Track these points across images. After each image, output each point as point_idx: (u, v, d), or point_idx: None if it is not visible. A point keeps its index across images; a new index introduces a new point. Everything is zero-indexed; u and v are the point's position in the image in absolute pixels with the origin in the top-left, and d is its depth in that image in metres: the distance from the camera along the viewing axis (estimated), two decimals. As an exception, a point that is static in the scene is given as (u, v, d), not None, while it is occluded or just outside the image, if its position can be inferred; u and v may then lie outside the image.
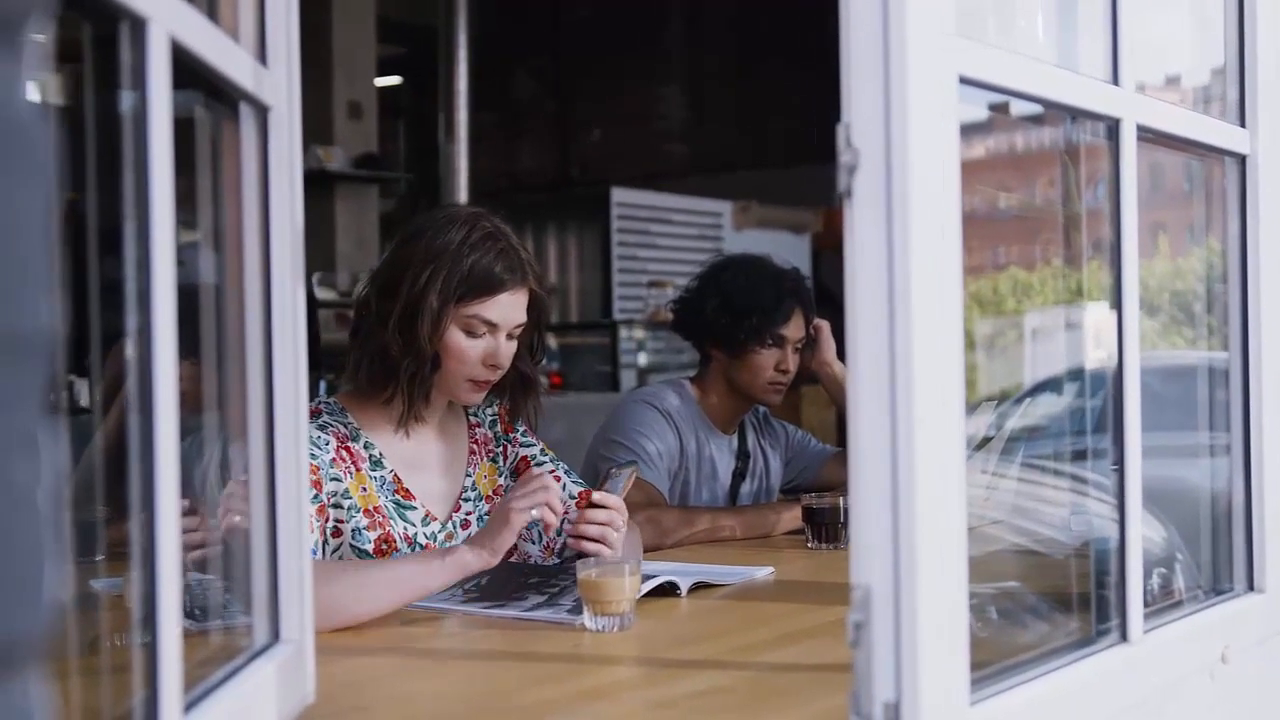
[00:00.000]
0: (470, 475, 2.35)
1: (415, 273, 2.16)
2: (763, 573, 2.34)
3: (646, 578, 2.02)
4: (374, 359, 2.21)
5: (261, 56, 1.33)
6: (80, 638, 1.21)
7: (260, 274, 1.33)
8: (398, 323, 2.17)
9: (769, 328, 2.96)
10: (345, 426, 2.22)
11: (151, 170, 0.99)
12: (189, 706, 1.07)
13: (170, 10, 1.01)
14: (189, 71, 1.09)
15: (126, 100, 0.99)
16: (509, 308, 2.21)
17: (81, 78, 1.02)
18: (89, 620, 1.39)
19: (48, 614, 0.57)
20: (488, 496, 2.36)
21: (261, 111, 1.33)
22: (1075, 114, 1.53)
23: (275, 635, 1.35)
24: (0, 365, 0.52)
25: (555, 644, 1.81)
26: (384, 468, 2.23)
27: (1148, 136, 1.55)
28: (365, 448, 2.23)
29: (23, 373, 0.54)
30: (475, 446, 2.38)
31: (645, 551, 2.59)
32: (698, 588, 2.17)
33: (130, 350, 1.00)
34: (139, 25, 0.97)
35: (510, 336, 2.23)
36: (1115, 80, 1.49)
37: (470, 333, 2.19)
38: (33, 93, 0.59)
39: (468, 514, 2.32)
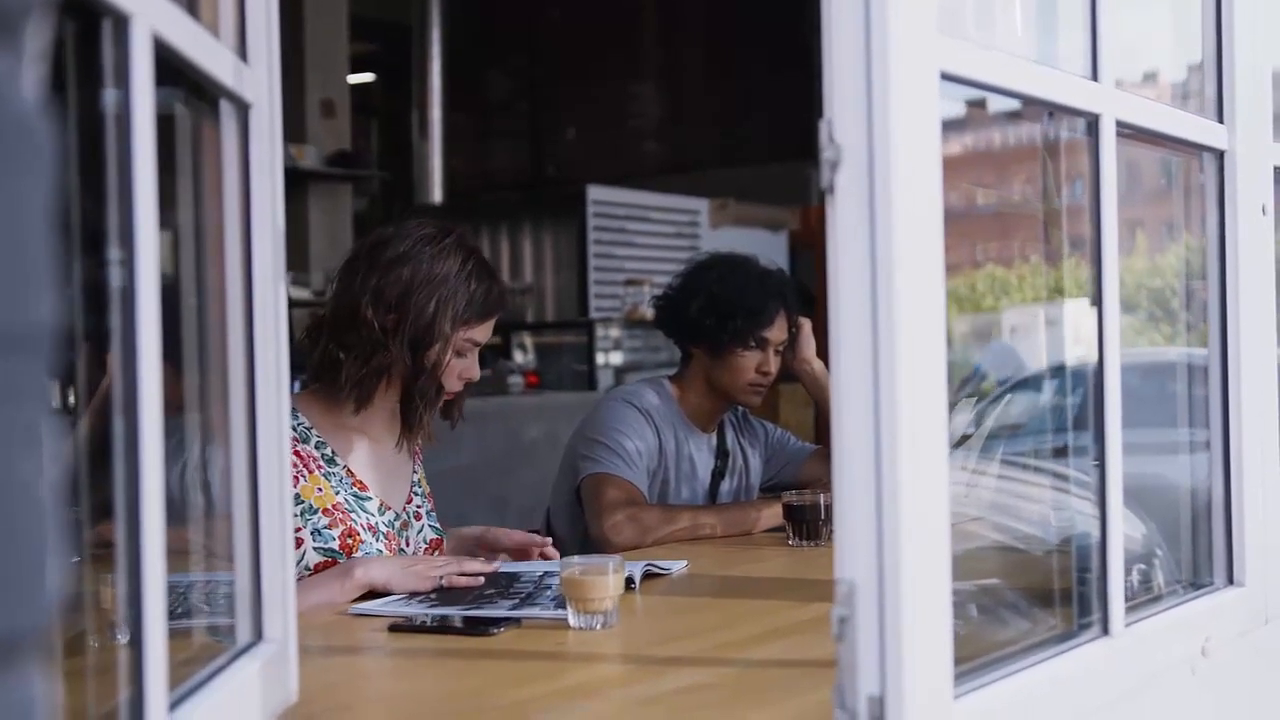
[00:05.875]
0: (417, 472, 2.45)
1: (420, 299, 2.22)
2: (677, 566, 2.35)
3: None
4: (377, 374, 2.25)
5: (242, 53, 1.32)
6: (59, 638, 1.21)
7: (241, 273, 1.33)
8: (409, 346, 2.22)
9: (753, 330, 2.94)
10: (295, 429, 2.23)
11: (135, 168, 0.98)
12: (173, 705, 1.06)
13: (153, 6, 1.01)
14: (168, 68, 1.08)
15: (108, 97, 0.98)
16: (491, 328, 2.33)
17: (61, 74, 1.01)
18: (63, 621, 1.38)
19: (51, 609, 0.58)
20: (428, 494, 2.47)
21: (243, 109, 1.32)
22: (1055, 109, 1.54)
23: (258, 634, 1.35)
24: (5, 359, 0.53)
25: (538, 642, 1.81)
26: (338, 464, 2.27)
27: (1127, 132, 1.55)
28: (317, 447, 2.26)
29: (26, 367, 0.54)
30: (417, 448, 2.46)
31: (626, 550, 2.60)
32: (648, 577, 2.21)
33: (114, 352, 0.99)
34: (122, 22, 0.97)
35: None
36: (1095, 76, 1.50)
37: (460, 353, 2.28)
38: (33, 89, 0.59)
39: (418, 507, 2.42)
